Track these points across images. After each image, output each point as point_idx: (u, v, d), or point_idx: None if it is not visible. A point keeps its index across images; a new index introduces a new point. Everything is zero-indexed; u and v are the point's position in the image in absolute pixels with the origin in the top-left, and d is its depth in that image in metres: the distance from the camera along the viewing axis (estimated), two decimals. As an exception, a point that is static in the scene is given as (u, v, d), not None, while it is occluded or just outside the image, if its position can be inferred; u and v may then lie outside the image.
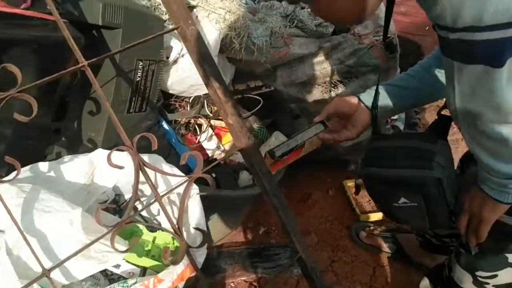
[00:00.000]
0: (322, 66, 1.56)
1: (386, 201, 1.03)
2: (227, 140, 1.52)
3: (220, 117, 1.42)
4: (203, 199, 1.04)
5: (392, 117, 1.95)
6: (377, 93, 1.04)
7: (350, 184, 2.01)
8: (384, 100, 1.08)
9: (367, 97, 1.10)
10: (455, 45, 0.67)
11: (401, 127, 2.04)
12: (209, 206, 1.41)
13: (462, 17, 0.62)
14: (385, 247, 1.71)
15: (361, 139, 1.85)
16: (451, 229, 1.30)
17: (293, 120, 1.70)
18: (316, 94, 1.62)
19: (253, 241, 1.77)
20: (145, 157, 0.98)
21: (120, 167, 0.80)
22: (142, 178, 0.80)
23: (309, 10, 1.48)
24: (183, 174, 0.96)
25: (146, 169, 0.82)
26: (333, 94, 1.61)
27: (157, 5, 1.42)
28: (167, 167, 0.99)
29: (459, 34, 0.65)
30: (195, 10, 1.37)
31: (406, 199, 0.96)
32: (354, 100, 1.12)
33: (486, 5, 0.59)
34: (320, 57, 1.54)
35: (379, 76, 1.14)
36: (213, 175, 1.37)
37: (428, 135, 0.97)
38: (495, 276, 1.01)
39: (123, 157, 0.95)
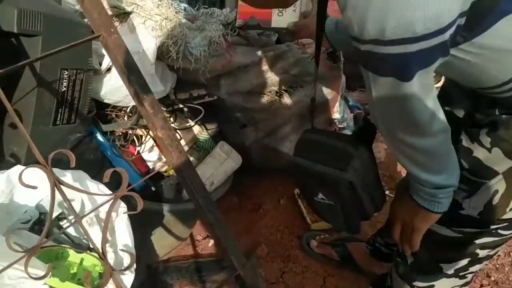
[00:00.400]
0: (266, 75, 1.53)
1: (308, 193, 1.06)
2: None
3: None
4: (144, 214, 0.98)
5: (340, 125, 1.96)
6: (314, 94, 1.05)
7: (299, 192, 2.00)
8: None
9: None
10: (366, 56, 0.66)
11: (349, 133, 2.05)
12: (152, 220, 1.36)
13: (367, 30, 0.61)
14: (336, 255, 1.70)
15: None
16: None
17: (240, 129, 1.67)
18: (262, 103, 1.60)
19: (202, 254, 1.72)
20: (68, 174, 0.92)
21: (33, 187, 0.74)
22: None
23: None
24: (108, 192, 0.91)
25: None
26: (278, 103, 1.59)
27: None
28: (92, 185, 0.93)
29: (368, 46, 0.63)
30: (130, 16, 1.32)
31: (323, 196, 0.97)
32: None
33: (387, 19, 0.58)
34: (264, 66, 1.52)
35: (315, 86, 1.14)
36: (153, 188, 1.31)
37: (353, 139, 0.98)
38: (432, 286, 1.01)
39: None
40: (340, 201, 0.94)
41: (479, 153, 0.83)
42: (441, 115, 0.74)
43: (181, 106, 1.42)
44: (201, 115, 1.38)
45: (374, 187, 0.95)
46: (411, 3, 0.56)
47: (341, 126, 1.94)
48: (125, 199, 0.87)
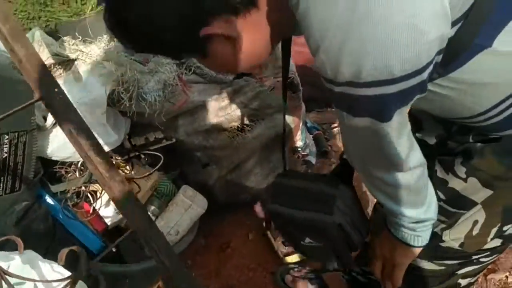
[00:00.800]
0: (226, 112, 1.47)
1: (292, 238, 1.01)
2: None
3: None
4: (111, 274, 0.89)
5: (303, 153, 1.92)
6: (284, 134, 1.00)
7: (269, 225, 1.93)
8: None
9: None
10: (340, 97, 0.62)
11: (313, 160, 2.02)
12: (116, 284, 1.24)
13: (341, 72, 0.57)
14: (311, 288, 1.64)
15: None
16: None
17: (202, 168, 1.59)
18: (223, 140, 1.53)
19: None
20: (16, 256, 0.80)
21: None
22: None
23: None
24: (64, 274, 0.80)
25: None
26: (240, 138, 1.53)
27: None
28: (45, 266, 0.81)
29: (342, 88, 0.59)
30: (75, 63, 1.22)
31: (311, 239, 0.93)
32: None
33: (363, 62, 0.54)
34: (223, 103, 1.46)
35: (284, 115, 1.09)
36: (113, 250, 1.20)
37: (331, 178, 0.94)
38: (416, 320, 0.98)
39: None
40: (330, 242, 0.90)
41: (455, 183, 0.81)
42: (417, 150, 0.73)
43: (137, 153, 1.32)
44: (161, 162, 1.29)
45: (360, 221, 0.91)
46: (388, 45, 0.53)
47: (304, 153, 1.91)
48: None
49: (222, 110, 1.47)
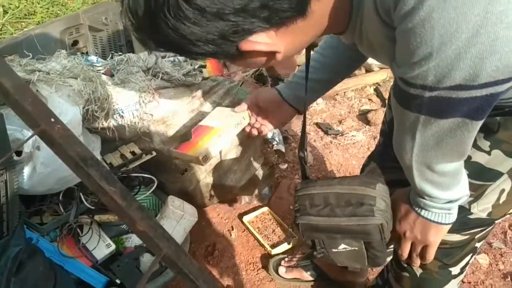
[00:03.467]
0: (199, 113, 1.41)
1: (324, 248, 0.96)
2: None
3: (107, 208, 1.17)
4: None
5: (272, 143, 1.92)
6: (305, 139, 0.97)
7: (248, 219, 1.91)
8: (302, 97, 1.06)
9: (288, 91, 1.08)
10: (429, 102, 0.61)
11: (283, 148, 2.02)
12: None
13: (451, 77, 0.56)
14: (307, 276, 1.66)
15: (252, 173, 1.78)
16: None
17: (181, 175, 1.52)
18: (200, 143, 1.47)
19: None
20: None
21: None
22: None
23: (171, 59, 1.32)
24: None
25: None
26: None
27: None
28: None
29: (440, 92, 0.59)
30: (35, 84, 1.09)
31: (346, 245, 0.91)
32: (274, 95, 1.10)
33: (484, 64, 0.54)
34: (195, 105, 1.40)
35: (304, 119, 1.05)
36: (118, 281, 1.11)
37: (366, 179, 0.91)
38: (443, 291, 1.02)
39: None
40: (368, 244, 0.88)
41: (478, 157, 0.84)
42: None
43: (123, 175, 1.22)
44: (155, 185, 1.21)
45: (391, 216, 0.91)
46: None
47: (274, 143, 1.91)
48: None
49: (195, 113, 1.41)
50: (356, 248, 0.90)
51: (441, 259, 0.97)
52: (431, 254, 0.90)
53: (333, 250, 0.93)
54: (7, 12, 2.80)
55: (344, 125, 2.62)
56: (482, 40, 0.52)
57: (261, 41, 0.61)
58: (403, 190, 0.89)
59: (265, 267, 1.74)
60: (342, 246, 0.92)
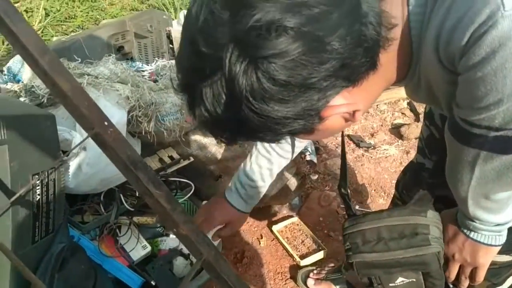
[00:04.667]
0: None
1: (381, 283, 0.95)
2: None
3: (145, 211, 1.20)
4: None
5: (305, 153, 1.91)
6: (346, 175, 0.96)
7: (278, 228, 1.91)
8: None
9: (238, 202, 1.13)
10: (493, 140, 0.62)
11: (315, 159, 2.01)
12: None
13: None
14: (336, 290, 1.64)
15: (284, 182, 1.79)
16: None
17: (215, 181, 1.54)
18: (235, 150, 1.49)
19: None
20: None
21: None
22: None
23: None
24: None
25: None
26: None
27: (29, 88, 1.15)
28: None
29: (506, 132, 0.59)
30: (86, 89, 1.13)
31: (404, 278, 0.90)
32: (229, 209, 1.14)
33: None
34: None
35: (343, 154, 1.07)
36: (153, 283, 1.13)
37: (415, 208, 0.90)
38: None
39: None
40: (425, 274, 0.88)
41: None
42: None
43: (162, 179, 1.25)
44: (192, 190, 1.23)
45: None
46: None
47: (307, 154, 1.90)
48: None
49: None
50: (414, 280, 0.89)
51: (490, 278, 0.96)
52: (481, 276, 0.89)
53: (390, 284, 0.92)
54: (49, 15, 2.91)
55: (376, 139, 2.59)
56: None
57: (341, 103, 0.59)
58: (450, 211, 0.88)
59: (293, 277, 1.73)
60: (399, 280, 0.91)
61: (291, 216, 1.99)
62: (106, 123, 0.74)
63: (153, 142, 1.21)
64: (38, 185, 0.84)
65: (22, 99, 1.18)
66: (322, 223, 2.02)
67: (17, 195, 0.72)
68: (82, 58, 1.25)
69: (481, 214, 0.78)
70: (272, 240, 1.90)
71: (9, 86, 1.19)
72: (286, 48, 0.50)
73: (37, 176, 0.84)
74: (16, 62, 1.31)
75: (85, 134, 1.07)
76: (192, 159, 1.32)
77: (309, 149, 1.94)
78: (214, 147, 1.44)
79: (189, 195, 1.26)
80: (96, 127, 0.72)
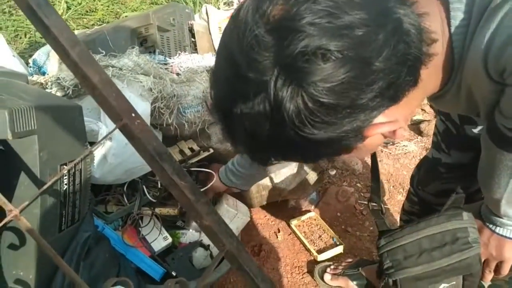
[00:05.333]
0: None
1: None
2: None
3: (167, 202, 1.21)
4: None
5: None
6: (379, 189, 0.96)
7: (295, 223, 1.92)
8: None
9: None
10: None
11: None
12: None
13: None
14: (353, 285, 1.64)
15: (302, 177, 1.79)
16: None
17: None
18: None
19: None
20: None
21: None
22: None
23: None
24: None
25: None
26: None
27: (55, 80, 1.17)
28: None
29: None
30: (108, 80, 1.15)
31: (445, 284, 0.90)
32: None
33: None
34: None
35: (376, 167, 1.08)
36: (174, 273, 1.14)
37: (451, 213, 0.90)
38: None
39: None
40: (470, 275, 0.89)
41: None
42: None
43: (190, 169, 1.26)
44: (214, 179, 1.25)
45: None
46: None
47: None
48: None
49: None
50: (454, 283, 0.90)
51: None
52: (506, 269, 0.90)
53: None
54: (70, 8, 2.94)
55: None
56: None
57: (383, 121, 0.59)
58: (472, 206, 0.88)
59: (310, 272, 1.73)
60: (442, 286, 0.91)
61: (309, 211, 1.99)
62: (133, 114, 0.75)
63: (175, 134, 1.23)
64: (65, 175, 0.86)
65: (48, 90, 1.20)
66: (340, 218, 2.01)
67: (47, 185, 0.74)
68: (107, 51, 1.26)
69: (507, 208, 0.79)
70: (289, 234, 1.90)
71: (35, 78, 1.21)
72: (333, 73, 0.50)
73: (65, 166, 0.86)
74: (41, 54, 1.34)
75: (111, 125, 1.09)
76: (212, 150, 1.33)
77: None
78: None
79: (210, 184, 1.27)
80: (124, 118, 0.73)
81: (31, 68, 1.38)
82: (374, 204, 0.98)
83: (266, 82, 0.52)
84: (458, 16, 0.61)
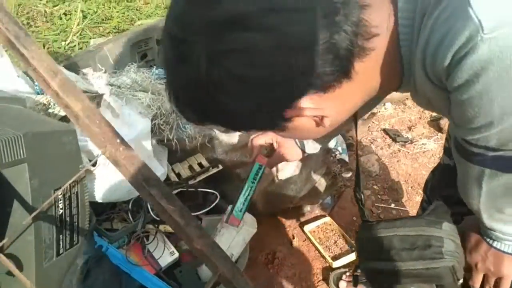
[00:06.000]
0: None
1: None
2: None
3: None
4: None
5: (335, 152, 1.87)
6: (360, 179, 0.93)
7: (310, 229, 1.89)
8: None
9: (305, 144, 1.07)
10: (492, 159, 0.60)
11: (346, 158, 1.97)
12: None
13: None
14: (369, 292, 1.60)
15: (313, 183, 1.76)
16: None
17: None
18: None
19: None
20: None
21: None
22: None
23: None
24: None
25: None
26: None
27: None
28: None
29: (505, 152, 0.58)
30: (105, 98, 1.15)
31: None
32: (297, 151, 1.08)
33: None
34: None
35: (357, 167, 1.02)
36: None
37: (431, 219, 0.87)
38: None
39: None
40: (439, 286, 0.85)
41: None
42: None
43: (190, 189, 1.26)
44: (217, 200, 1.24)
45: (462, 252, 0.86)
46: None
47: (337, 153, 1.86)
48: None
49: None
50: None
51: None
52: (506, 286, 0.84)
53: None
54: (86, 17, 2.98)
55: (414, 132, 2.50)
56: None
57: (306, 106, 0.57)
58: (472, 218, 0.83)
59: (325, 279, 1.70)
60: None
61: (323, 216, 1.95)
62: (118, 140, 0.75)
63: (176, 149, 1.22)
64: (60, 200, 0.86)
65: (51, 110, 1.22)
66: (356, 223, 1.97)
67: (37, 211, 0.74)
68: (106, 67, 1.27)
69: (500, 227, 0.76)
70: (304, 241, 1.87)
71: (39, 97, 1.23)
72: (251, 44, 0.50)
73: (59, 191, 0.86)
74: (46, 73, 1.35)
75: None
76: (221, 167, 1.33)
77: (340, 148, 1.90)
78: (239, 151, 1.43)
79: (213, 205, 1.26)
80: (108, 145, 0.74)
81: (37, 87, 1.40)
82: (358, 194, 0.96)
83: (191, 45, 0.52)
84: (406, 8, 0.56)
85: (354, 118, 0.90)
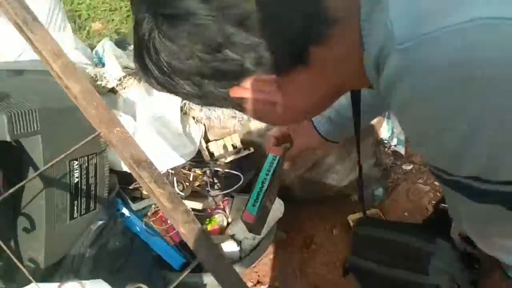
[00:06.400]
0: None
1: None
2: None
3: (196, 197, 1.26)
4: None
5: (390, 143, 1.77)
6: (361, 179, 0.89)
7: (355, 218, 1.82)
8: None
9: (328, 130, 0.97)
10: (450, 183, 0.52)
11: (402, 150, 1.85)
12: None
13: (501, 174, 0.47)
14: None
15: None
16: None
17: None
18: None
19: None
20: (87, 284, 0.82)
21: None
22: None
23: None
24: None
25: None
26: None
27: (102, 74, 1.27)
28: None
29: (489, 186, 0.49)
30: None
31: None
32: (315, 138, 0.99)
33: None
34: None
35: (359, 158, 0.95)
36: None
37: (425, 231, 0.81)
38: None
39: None
40: None
41: None
42: None
43: (217, 169, 1.28)
44: (240, 182, 1.25)
45: (460, 275, 0.79)
46: None
47: (392, 143, 1.76)
48: None
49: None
50: None
51: None
52: None
53: None
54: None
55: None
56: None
57: (253, 88, 0.53)
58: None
59: (360, 272, 1.65)
60: None
61: (373, 207, 1.87)
62: (113, 122, 0.79)
63: (205, 129, 1.25)
64: (76, 170, 0.94)
65: (99, 82, 1.31)
66: (406, 219, 1.86)
67: (9, 192, 0.82)
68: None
69: (502, 256, 0.68)
70: (345, 231, 1.82)
71: (90, 70, 1.32)
72: (192, 11, 0.47)
73: (75, 161, 0.93)
74: (101, 47, 1.44)
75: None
76: (252, 149, 1.33)
77: (395, 139, 1.78)
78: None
79: (237, 186, 1.28)
80: (103, 127, 0.78)
81: (95, 59, 1.50)
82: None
83: (138, 7, 0.52)
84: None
85: (356, 122, 0.84)
